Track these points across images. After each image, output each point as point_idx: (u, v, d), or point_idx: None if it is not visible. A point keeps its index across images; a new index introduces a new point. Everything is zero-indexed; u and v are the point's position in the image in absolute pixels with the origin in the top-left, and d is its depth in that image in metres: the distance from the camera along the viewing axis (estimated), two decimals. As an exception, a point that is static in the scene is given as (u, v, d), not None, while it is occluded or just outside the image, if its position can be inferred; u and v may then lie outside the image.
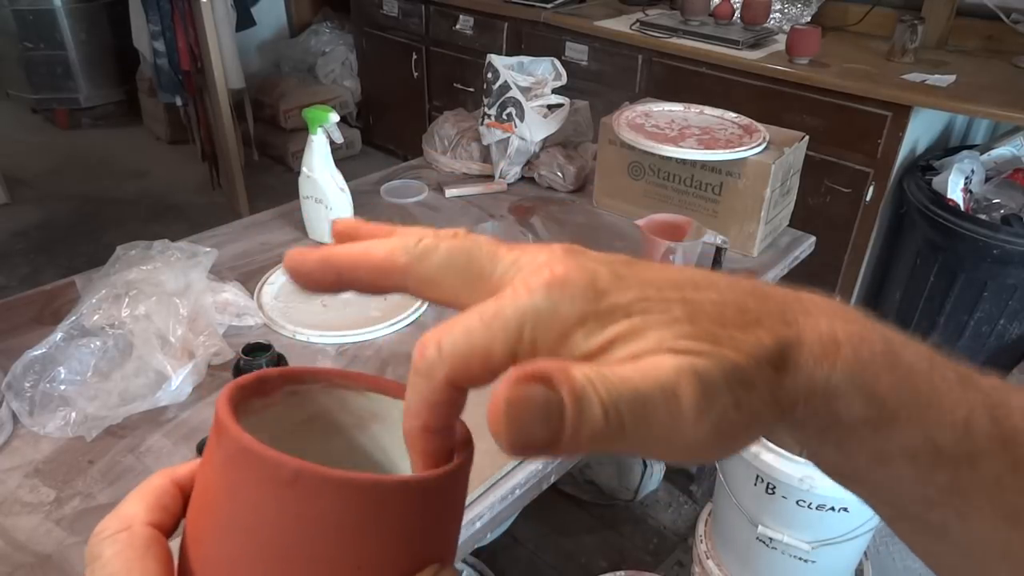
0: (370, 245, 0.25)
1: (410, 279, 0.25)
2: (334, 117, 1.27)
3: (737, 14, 2.46)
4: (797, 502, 1.32)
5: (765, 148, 1.32)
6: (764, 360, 0.23)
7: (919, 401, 0.25)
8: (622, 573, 1.47)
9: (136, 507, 0.26)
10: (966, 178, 2.02)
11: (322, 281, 0.26)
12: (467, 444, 0.26)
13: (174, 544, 0.26)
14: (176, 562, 0.25)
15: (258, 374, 0.27)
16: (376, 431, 0.30)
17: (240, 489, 0.23)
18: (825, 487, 1.25)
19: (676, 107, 1.49)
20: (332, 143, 1.30)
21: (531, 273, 0.23)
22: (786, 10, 2.55)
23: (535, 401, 0.20)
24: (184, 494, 0.27)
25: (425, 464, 0.25)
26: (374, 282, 0.25)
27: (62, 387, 0.92)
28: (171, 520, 0.26)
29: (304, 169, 1.31)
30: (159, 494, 0.26)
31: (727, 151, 1.29)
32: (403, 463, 0.30)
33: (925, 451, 0.25)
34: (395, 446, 0.30)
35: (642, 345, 0.22)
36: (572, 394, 0.20)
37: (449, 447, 0.25)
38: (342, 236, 0.27)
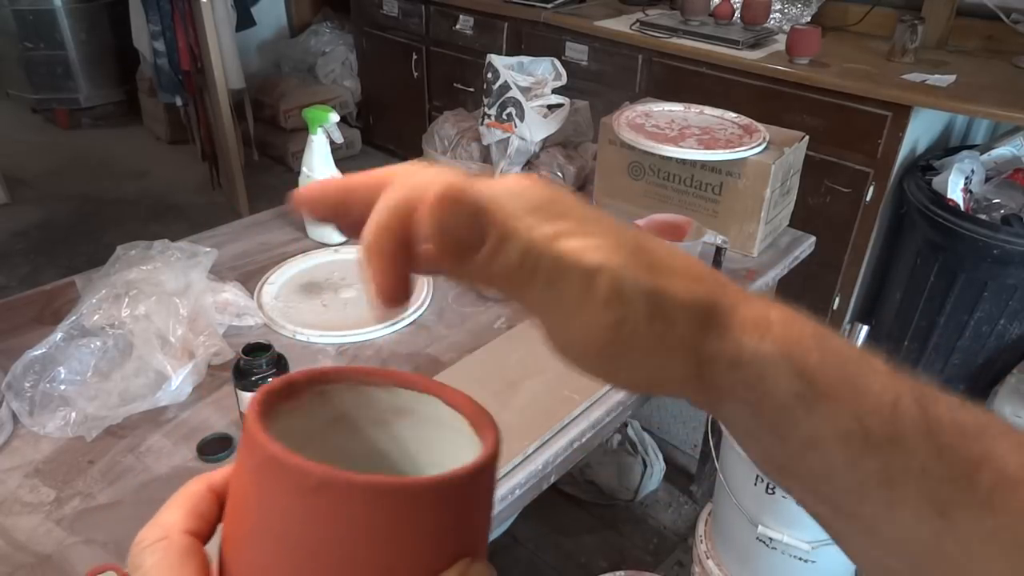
0: (369, 172, 0.28)
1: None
2: (334, 117, 1.27)
3: (737, 14, 2.46)
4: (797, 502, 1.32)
5: (765, 148, 1.32)
6: (690, 309, 0.24)
7: (848, 381, 0.26)
8: (622, 573, 1.47)
9: (174, 515, 0.26)
10: (966, 178, 2.02)
11: (326, 201, 0.28)
12: (494, 438, 0.27)
13: (214, 545, 0.27)
14: (215, 566, 0.26)
15: (287, 378, 0.28)
16: (403, 426, 0.30)
17: (269, 496, 0.24)
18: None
19: (676, 107, 1.49)
20: (332, 143, 1.30)
21: (515, 176, 0.26)
22: (786, 10, 2.55)
23: (468, 209, 0.22)
24: (220, 499, 0.27)
25: (378, 266, 0.25)
26: (368, 201, 0.26)
27: (62, 387, 0.92)
28: (207, 526, 0.27)
29: (304, 169, 1.31)
30: (196, 501, 0.27)
31: (727, 151, 1.29)
32: (431, 457, 0.30)
33: (855, 433, 0.25)
34: (423, 440, 0.30)
35: (583, 243, 0.23)
36: (500, 230, 0.22)
37: (404, 271, 0.26)
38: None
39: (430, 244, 0.23)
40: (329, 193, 0.27)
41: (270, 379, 0.89)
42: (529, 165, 1.60)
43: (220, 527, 0.27)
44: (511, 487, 0.87)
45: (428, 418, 0.29)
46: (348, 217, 0.27)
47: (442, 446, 0.29)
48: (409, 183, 0.25)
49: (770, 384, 0.25)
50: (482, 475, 0.25)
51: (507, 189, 0.25)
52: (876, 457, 0.25)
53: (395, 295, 0.26)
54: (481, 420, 0.28)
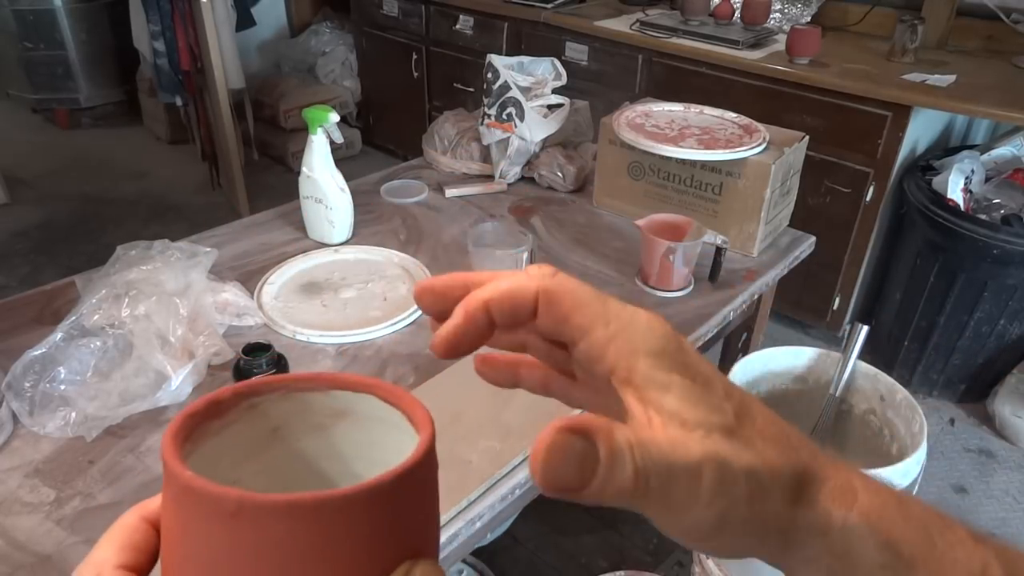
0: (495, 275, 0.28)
1: (542, 291, 0.27)
2: (334, 117, 1.27)
3: (737, 14, 2.46)
4: (797, 502, 1.31)
5: (765, 148, 1.32)
6: (784, 481, 0.25)
7: (935, 551, 0.26)
8: (622, 573, 1.47)
9: (106, 552, 0.26)
10: (966, 178, 2.02)
11: (449, 297, 0.28)
12: (427, 434, 0.26)
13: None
14: None
15: (210, 396, 0.27)
16: (345, 428, 0.30)
17: (191, 525, 0.23)
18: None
19: (676, 107, 1.49)
20: (332, 143, 1.30)
21: (641, 309, 0.27)
22: (786, 10, 2.55)
23: (572, 450, 0.23)
24: (156, 527, 0.27)
25: (458, 326, 0.27)
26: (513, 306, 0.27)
27: (62, 387, 0.92)
28: (144, 557, 0.26)
29: (304, 169, 1.31)
30: (129, 533, 0.27)
31: (727, 151, 1.29)
32: (376, 454, 0.29)
33: None
34: (365, 439, 0.30)
35: (688, 413, 0.25)
36: (609, 454, 0.23)
37: (475, 339, 0.28)
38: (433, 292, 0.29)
39: (538, 484, 0.23)
40: (460, 286, 0.28)
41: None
42: (529, 165, 1.60)
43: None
44: (511, 487, 0.87)
45: (366, 416, 0.29)
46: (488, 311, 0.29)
47: (384, 442, 0.29)
48: (543, 273, 0.26)
49: (857, 556, 0.26)
50: (415, 473, 0.25)
51: (635, 321, 0.26)
52: None
53: (446, 350, 0.27)
54: (416, 413, 0.27)
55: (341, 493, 0.23)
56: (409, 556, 0.24)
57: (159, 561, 0.26)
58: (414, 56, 3.26)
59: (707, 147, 1.32)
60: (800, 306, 2.43)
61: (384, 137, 3.76)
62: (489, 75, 1.52)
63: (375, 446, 0.29)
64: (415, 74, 3.30)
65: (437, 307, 0.29)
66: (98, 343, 0.96)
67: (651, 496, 0.24)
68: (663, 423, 0.25)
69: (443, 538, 0.81)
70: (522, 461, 0.90)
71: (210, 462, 0.25)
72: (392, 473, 0.24)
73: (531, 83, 1.54)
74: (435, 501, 0.27)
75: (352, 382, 0.29)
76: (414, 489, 0.25)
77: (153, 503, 0.27)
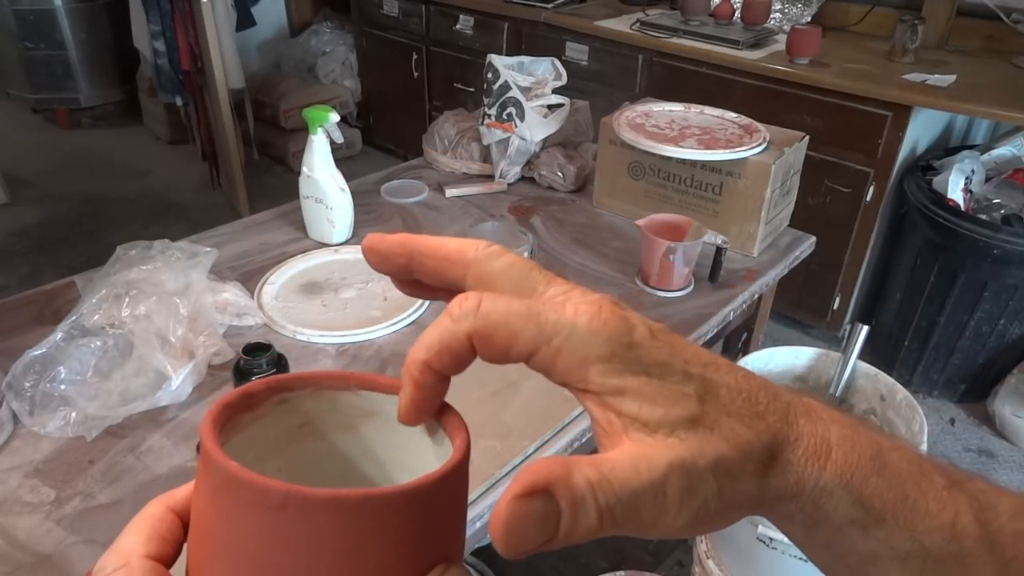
0: (443, 239, 0.27)
1: (471, 274, 0.27)
2: (334, 117, 1.27)
3: (737, 14, 2.46)
4: (797, 502, 1.31)
5: (765, 148, 1.32)
6: (755, 456, 0.25)
7: (906, 504, 0.26)
8: (622, 573, 1.47)
9: (133, 541, 0.26)
10: (966, 178, 2.02)
11: (395, 261, 0.28)
12: (463, 440, 0.26)
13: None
14: None
15: (244, 389, 0.27)
16: (372, 428, 0.30)
17: (231, 516, 0.23)
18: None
19: (676, 107, 1.49)
20: (332, 143, 1.30)
21: (581, 302, 0.25)
22: (786, 10, 2.55)
23: (532, 516, 0.22)
24: (183, 519, 0.27)
25: (413, 395, 0.26)
26: (439, 270, 0.27)
27: (62, 387, 0.92)
28: (171, 549, 0.26)
29: (304, 169, 1.31)
30: (155, 524, 0.26)
31: (727, 151, 1.29)
32: (401, 458, 0.30)
33: (914, 553, 0.26)
34: (391, 442, 0.30)
35: (647, 414, 0.24)
36: (571, 504, 0.22)
37: (437, 395, 0.27)
38: (397, 245, 0.28)
39: (501, 553, 0.23)
40: (399, 253, 0.28)
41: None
42: (529, 165, 1.60)
43: (186, 548, 0.26)
44: (511, 487, 0.87)
45: (395, 419, 0.29)
46: (408, 278, 0.28)
47: (411, 446, 0.29)
48: (467, 312, 0.24)
49: (828, 511, 0.26)
50: (452, 478, 0.25)
51: (576, 325, 0.24)
52: (939, 574, 0.26)
53: (417, 417, 0.27)
54: (450, 419, 0.27)
55: (387, 491, 0.23)
56: (441, 559, 0.25)
57: (184, 551, 0.26)
58: (414, 56, 3.26)
59: (707, 147, 1.32)
60: (800, 306, 2.43)
61: (384, 137, 3.76)
62: (489, 75, 1.52)
63: (401, 448, 0.29)
64: (415, 74, 3.30)
65: (382, 268, 0.28)
66: (98, 343, 0.96)
67: (619, 525, 0.23)
68: (624, 427, 0.24)
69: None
70: (522, 461, 0.90)
71: (238, 454, 0.25)
72: (436, 474, 0.24)
73: (531, 83, 1.54)
74: (465, 506, 0.27)
75: (383, 384, 0.29)
76: (452, 492, 0.25)
77: (179, 493, 0.27)
